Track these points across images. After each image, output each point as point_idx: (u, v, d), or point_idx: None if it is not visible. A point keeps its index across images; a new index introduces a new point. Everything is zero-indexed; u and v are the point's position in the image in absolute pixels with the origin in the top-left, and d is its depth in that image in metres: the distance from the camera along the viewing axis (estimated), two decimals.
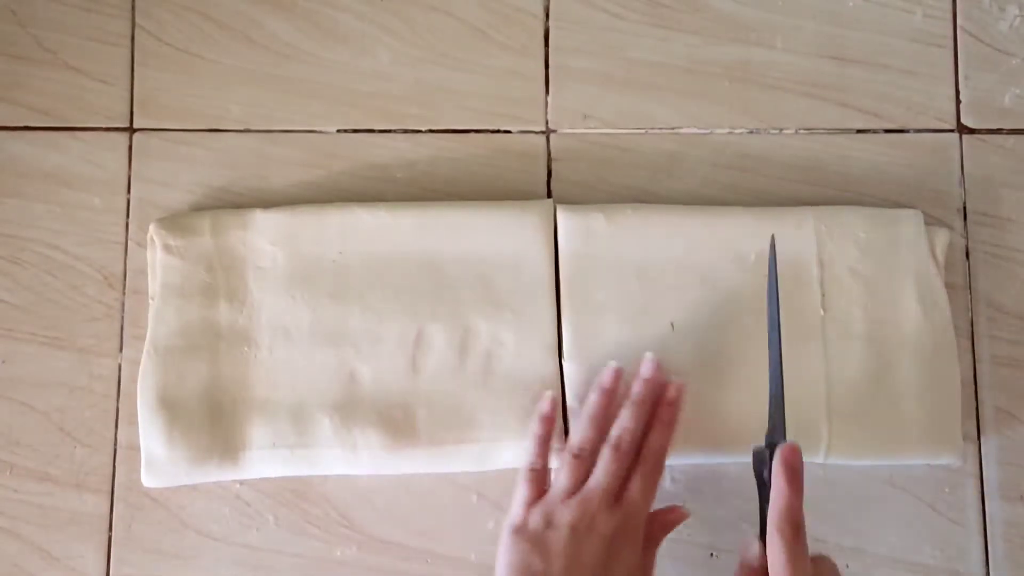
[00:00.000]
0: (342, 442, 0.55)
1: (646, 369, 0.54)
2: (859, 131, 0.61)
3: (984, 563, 0.57)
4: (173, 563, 0.57)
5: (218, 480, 0.56)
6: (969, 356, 0.59)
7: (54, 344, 0.58)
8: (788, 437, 0.50)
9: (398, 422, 0.55)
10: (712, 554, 0.57)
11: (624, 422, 0.51)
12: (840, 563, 0.49)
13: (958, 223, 0.61)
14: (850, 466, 0.57)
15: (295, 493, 0.57)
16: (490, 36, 0.62)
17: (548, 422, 0.53)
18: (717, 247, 0.57)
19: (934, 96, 0.62)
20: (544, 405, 0.54)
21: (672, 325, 0.56)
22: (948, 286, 0.58)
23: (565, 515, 0.49)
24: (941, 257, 0.58)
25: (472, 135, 0.61)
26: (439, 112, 0.61)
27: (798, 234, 0.57)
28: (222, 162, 0.60)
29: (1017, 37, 0.62)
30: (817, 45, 0.62)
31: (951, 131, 0.62)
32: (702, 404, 0.55)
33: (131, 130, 0.61)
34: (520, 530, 0.49)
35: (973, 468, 0.58)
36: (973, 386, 0.59)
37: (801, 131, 0.61)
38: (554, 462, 0.53)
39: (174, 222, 0.58)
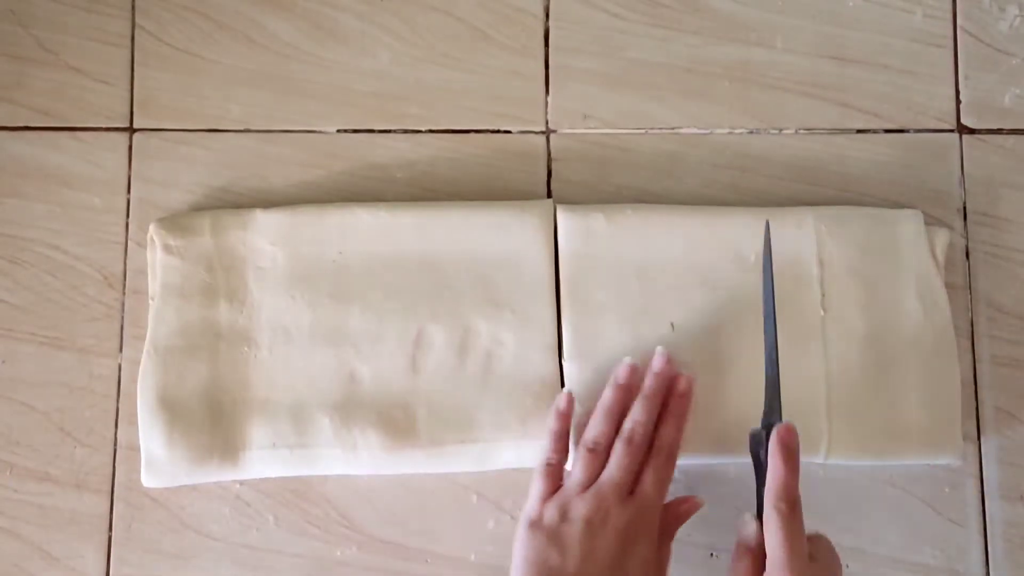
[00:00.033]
0: (342, 442, 0.55)
1: (657, 363, 0.54)
2: (859, 131, 0.61)
3: (984, 563, 0.57)
4: (173, 563, 0.57)
5: (218, 480, 0.56)
6: (969, 356, 0.59)
7: (54, 344, 0.58)
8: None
9: (398, 422, 0.55)
10: (712, 554, 0.57)
11: (636, 415, 0.52)
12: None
13: (958, 223, 0.61)
14: (850, 466, 0.57)
15: (295, 493, 0.57)
16: (490, 36, 0.62)
17: (564, 418, 0.53)
18: (717, 247, 0.57)
19: (934, 96, 0.62)
20: (560, 401, 0.54)
21: (672, 325, 0.56)
22: (948, 286, 0.58)
23: (580, 509, 0.49)
24: (941, 257, 0.58)
25: (472, 135, 0.61)
26: (439, 112, 0.61)
27: (798, 234, 0.57)
28: (222, 162, 0.60)
29: (1017, 37, 0.62)
30: (817, 45, 0.62)
31: (951, 131, 0.62)
32: (702, 404, 0.55)
33: (131, 130, 0.61)
34: (536, 524, 0.50)
35: (973, 468, 0.58)
36: (973, 386, 0.59)
37: (801, 131, 0.61)
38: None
39: (174, 222, 0.58)
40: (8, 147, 0.60)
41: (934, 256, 0.58)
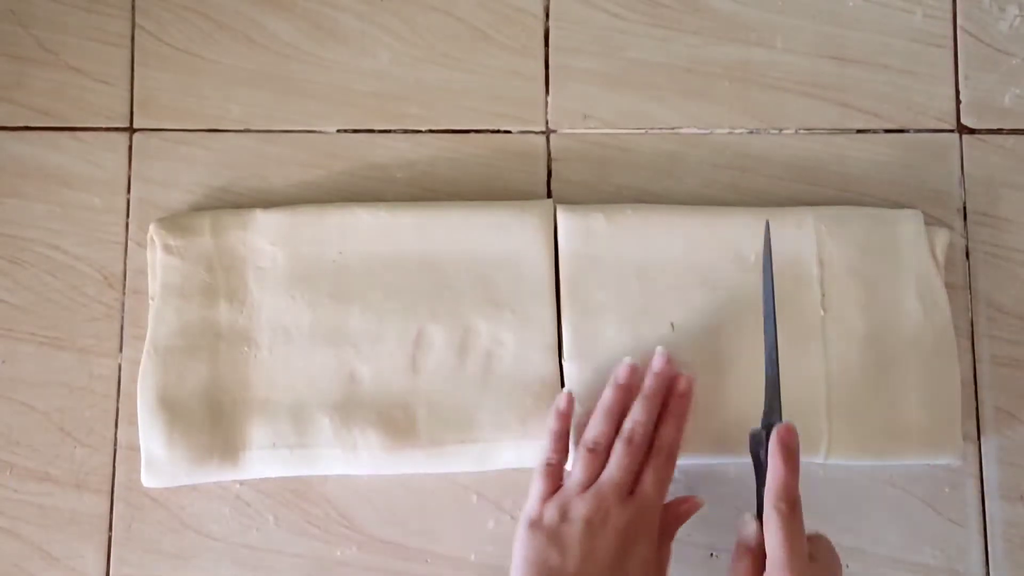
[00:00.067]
0: (342, 442, 0.55)
1: (657, 363, 0.54)
2: (859, 131, 0.61)
3: (984, 563, 0.57)
4: (173, 563, 0.57)
5: (218, 480, 0.56)
6: (969, 356, 0.59)
7: (54, 344, 0.58)
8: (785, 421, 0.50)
9: (398, 422, 0.55)
10: (712, 554, 0.57)
11: (636, 415, 0.52)
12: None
13: (958, 223, 0.61)
14: (850, 466, 0.57)
15: (295, 493, 0.57)
16: (490, 36, 0.62)
17: (564, 418, 0.53)
18: (717, 247, 0.57)
19: (934, 96, 0.62)
20: (560, 401, 0.54)
21: (672, 325, 0.56)
22: (948, 286, 0.58)
23: (580, 509, 0.49)
24: (941, 257, 0.58)
25: (472, 135, 0.61)
26: (439, 112, 0.61)
27: (798, 234, 0.57)
28: (222, 162, 0.60)
29: (1017, 37, 0.62)
30: (817, 45, 0.62)
31: (951, 131, 0.62)
32: (702, 404, 0.55)
33: (131, 130, 0.61)
34: (536, 524, 0.50)
35: (973, 468, 0.58)
36: (973, 386, 0.59)
37: (801, 131, 0.61)
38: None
39: (174, 222, 0.58)
40: (8, 147, 0.60)
41: (934, 256, 0.58)
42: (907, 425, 0.55)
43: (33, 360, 0.58)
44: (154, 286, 0.57)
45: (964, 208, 0.61)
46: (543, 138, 0.61)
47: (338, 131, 0.61)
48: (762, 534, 0.47)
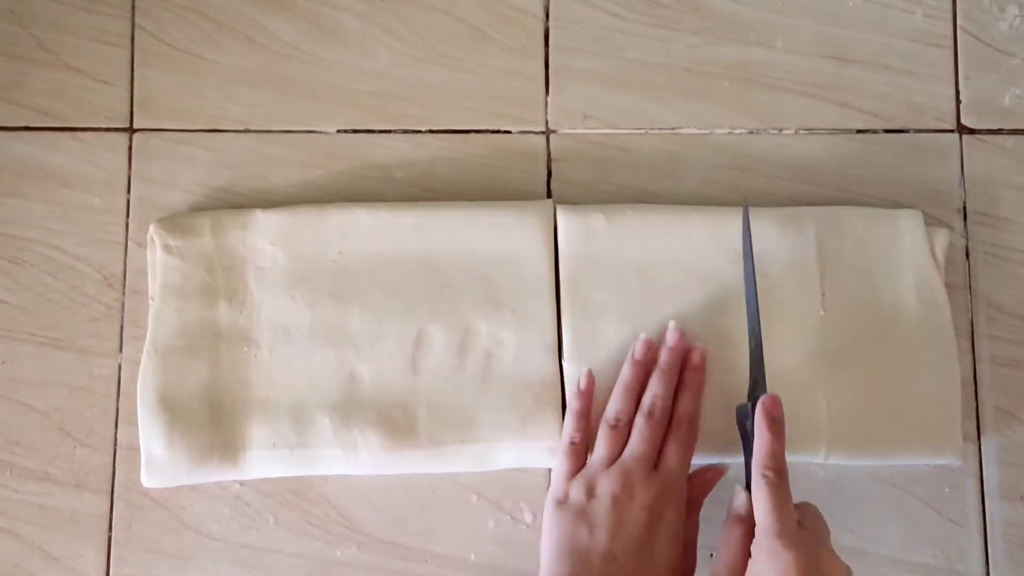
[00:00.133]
0: (342, 442, 0.55)
1: (671, 337, 0.54)
2: (859, 131, 0.61)
3: (984, 563, 0.57)
4: (173, 563, 0.57)
5: (218, 480, 0.56)
6: (969, 356, 0.59)
7: (54, 344, 0.58)
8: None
9: (398, 422, 0.55)
10: (712, 555, 0.57)
11: (654, 389, 0.53)
12: None
13: (958, 223, 0.61)
14: (850, 466, 0.57)
15: (295, 493, 0.57)
16: (490, 36, 0.62)
17: (586, 397, 0.54)
18: (717, 247, 0.57)
19: (934, 96, 0.62)
20: (582, 381, 0.54)
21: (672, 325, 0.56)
22: (948, 286, 0.58)
23: (606, 485, 0.50)
24: (941, 257, 0.58)
25: (472, 135, 0.61)
26: (439, 112, 0.61)
27: (798, 234, 0.57)
28: (222, 162, 0.60)
29: (1017, 37, 0.62)
30: (817, 45, 0.62)
31: (951, 131, 0.62)
32: (703, 404, 0.55)
33: (131, 130, 0.61)
34: (562, 503, 0.50)
35: (973, 468, 0.58)
36: (973, 386, 0.59)
37: (801, 131, 0.61)
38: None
39: (174, 222, 0.58)
40: (8, 147, 0.60)
41: (934, 256, 0.58)
42: (907, 425, 0.55)
43: (33, 360, 0.58)
44: (154, 286, 0.57)
45: (964, 208, 0.61)
46: (543, 138, 0.61)
47: (338, 131, 0.61)
48: (751, 503, 0.48)
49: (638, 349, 0.54)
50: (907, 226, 0.58)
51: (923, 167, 0.61)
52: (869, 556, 0.57)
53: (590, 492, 0.50)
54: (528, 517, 0.57)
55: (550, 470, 0.56)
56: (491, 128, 0.61)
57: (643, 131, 0.61)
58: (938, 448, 0.56)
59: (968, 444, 0.58)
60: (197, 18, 0.61)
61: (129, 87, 0.61)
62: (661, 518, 0.50)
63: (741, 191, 0.60)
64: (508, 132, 0.61)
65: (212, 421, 0.55)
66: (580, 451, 0.53)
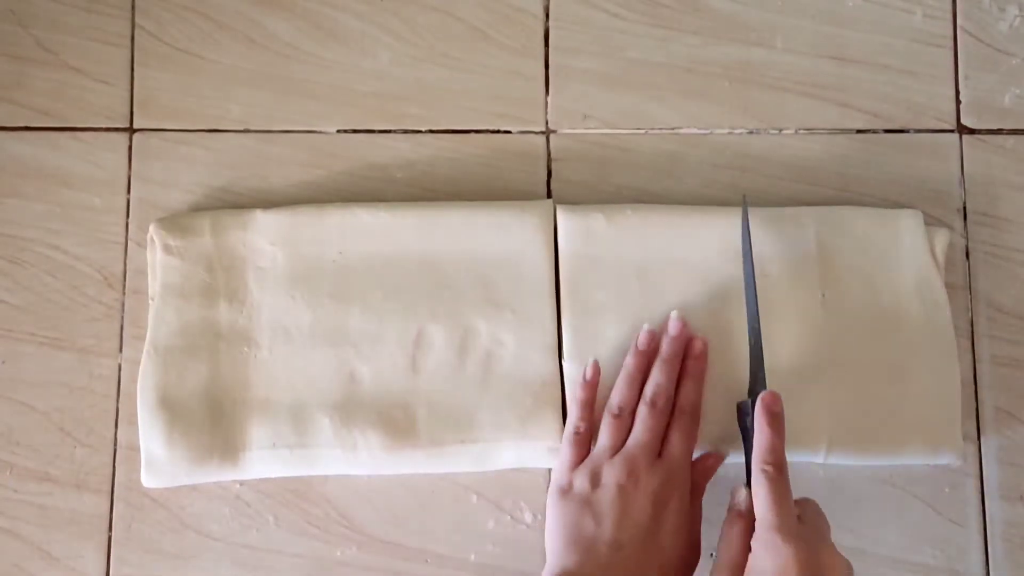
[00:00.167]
0: (342, 442, 0.55)
1: (673, 327, 0.55)
2: (859, 131, 0.61)
3: (984, 563, 0.57)
4: (173, 563, 0.57)
5: (218, 480, 0.56)
6: (969, 356, 0.59)
7: (54, 344, 0.58)
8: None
9: (398, 422, 0.55)
10: (712, 555, 0.57)
11: (656, 378, 0.53)
12: None
13: (958, 223, 0.61)
14: (850, 466, 0.57)
15: (295, 493, 0.57)
16: (490, 36, 0.62)
17: (591, 387, 0.54)
18: (717, 247, 0.57)
19: (934, 96, 0.62)
20: (588, 371, 0.54)
21: None
22: (948, 286, 0.58)
23: (611, 474, 0.50)
24: (941, 257, 0.58)
25: (472, 135, 0.61)
26: (439, 112, 0.61)
27: (798, 234, 0.57)
28: (222, 162, 0.60)
29: (1017, 37, 0.62)
30: (817, 45, 0.62)
31: (951, 131, 0.62)
32: (703, 404, 0.55)
33: (131, 130, 0.61)
34: (567, 492, 0.51)
35: (973, 468, 0.58)
36: (973, 386, 0.59)
37: (801, 131, 0.61)
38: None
39: (174, 222, 0.58)
40: (8, 147, 0.60)
41: (934, 256, 0.58)
42: (907, 425, 0.55)
43: (33, 360, 0.58)
44: (154, 286, 0.57)
45: (964, 208, 0.61)
46: (543, 138, 0.61)
47: (338, 131, 0.61)
48: (751, 499, 0.48)
49: (641, 339, 0.55)
50: (907, 226, 0.58)
51: (923, 167, 0.61)
52: (869, 556, 0.57)
53: (595, 481, 0.50)
54: (528, 517, 0.57)
55: (550, 470, 0.56)
56: (491, 128, 0.61)
57: (643, 131, 0.61)
58: (938, 448, 0.56)
59: (968, 444, 0.58)
60: (197, 18, 0.61)
61: (129, 87, 0.61)
62: (666, 506, 0.50)
63: (741, 191, 0.60)
64: (508, 132, 0.61)
65: (212, 421, 0.55)
66: (584, 440, 0.53)
